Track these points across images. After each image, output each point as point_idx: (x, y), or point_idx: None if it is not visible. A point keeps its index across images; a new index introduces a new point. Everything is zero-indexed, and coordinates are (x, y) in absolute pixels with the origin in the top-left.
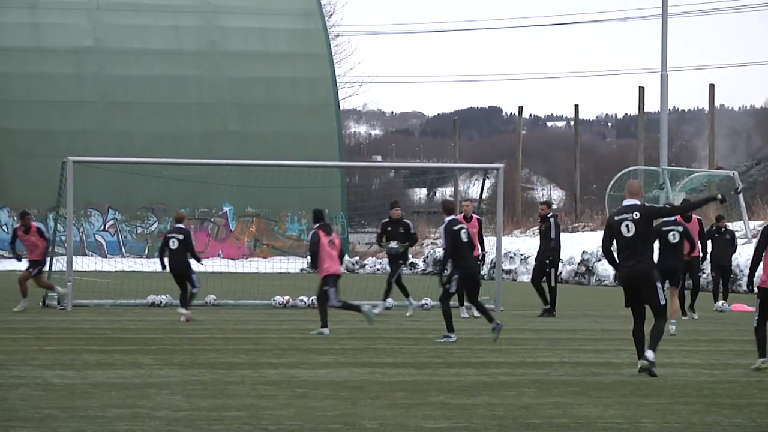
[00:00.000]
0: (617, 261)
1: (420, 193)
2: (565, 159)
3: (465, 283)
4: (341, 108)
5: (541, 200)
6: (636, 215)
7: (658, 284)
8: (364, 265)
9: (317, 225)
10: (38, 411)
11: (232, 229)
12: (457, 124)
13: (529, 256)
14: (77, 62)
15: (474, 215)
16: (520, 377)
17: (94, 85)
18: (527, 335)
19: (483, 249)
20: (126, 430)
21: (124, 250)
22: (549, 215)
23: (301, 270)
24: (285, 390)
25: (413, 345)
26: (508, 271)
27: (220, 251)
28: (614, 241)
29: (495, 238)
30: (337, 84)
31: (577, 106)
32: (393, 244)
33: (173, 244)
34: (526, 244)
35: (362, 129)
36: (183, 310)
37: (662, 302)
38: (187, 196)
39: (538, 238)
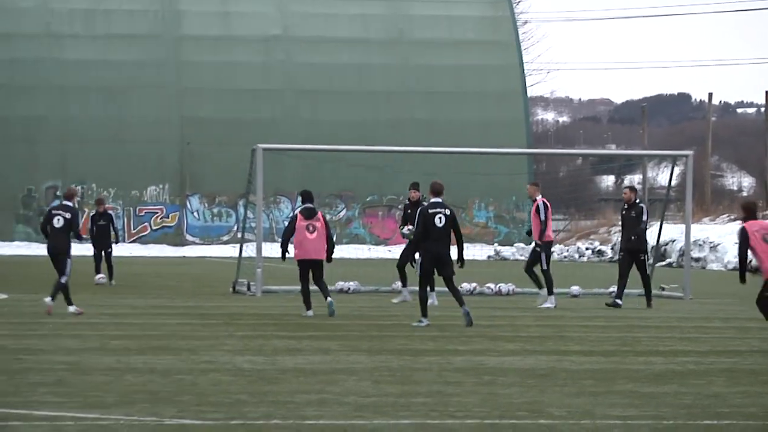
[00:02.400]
0: None
1: (608, 181)
2: (755, 146)
3: (432, 266)
4: (529, 95)
5: (626, 185)
6: None
7: None
8: (552, 252)
9: (300, 207)
10: (228, 396)
11: None
12: (645, 111)
13: (719, 244)
14: (266, 51)
15: (539, 198)
16: (708, 366)
17: (282, 74)
18: (716, 323)
19: (542, 237)
20: (314, 416)
21: None
22: (638, 201)
23: (488, 257)
24: (472, 377)
25: (601, 333)
26: (697, 259)
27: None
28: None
29: (684, 226)
30: (525, 71)
31: (767, 92)
32: (406, 229)
33: (57, 222)
34: (715, 231)
35: (550, 116)
36: (48, 300)
37: None
38: (375, 183)
39: (620, 224)
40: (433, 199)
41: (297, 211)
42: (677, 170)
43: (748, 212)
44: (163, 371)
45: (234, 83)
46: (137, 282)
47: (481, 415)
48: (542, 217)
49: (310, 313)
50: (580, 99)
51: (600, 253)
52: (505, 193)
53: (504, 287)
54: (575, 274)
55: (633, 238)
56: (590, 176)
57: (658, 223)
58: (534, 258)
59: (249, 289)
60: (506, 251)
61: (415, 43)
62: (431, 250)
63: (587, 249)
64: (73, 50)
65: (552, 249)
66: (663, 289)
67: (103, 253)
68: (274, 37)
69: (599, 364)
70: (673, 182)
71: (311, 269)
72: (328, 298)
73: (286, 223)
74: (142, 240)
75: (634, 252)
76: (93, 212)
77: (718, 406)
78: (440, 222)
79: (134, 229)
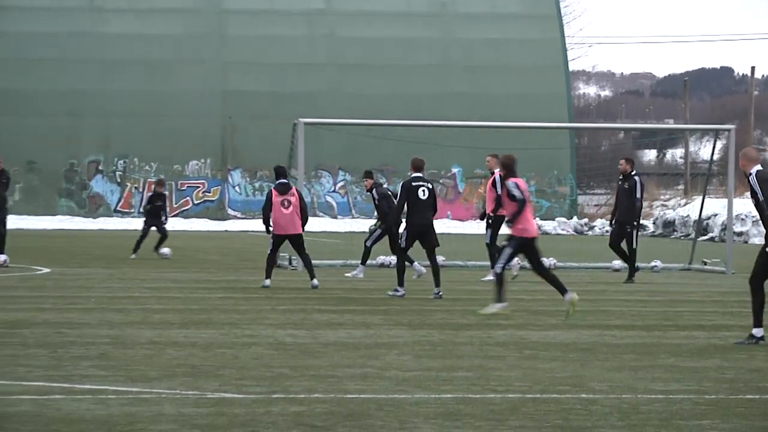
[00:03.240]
0: None
1: (650, 155)
2: None
3: (415, 239)
4: (570, 69)
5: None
6: None
7: None
8: (593, 227)
9: (275, 184)
10: (270, 370)
11: (461, 191)
12: (687, 84)
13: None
14: (308, 24)
15: (497, 171)
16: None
17: (325, 48)
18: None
19: (496, 211)
20: (356, 389)
21: (354, 211)
22: (633, 173)
23: None
24: (513, 351)
25: (642, 307)
26: (740, 233)
27: (449, 213)
28: None
29: (726, 200)
30: (567, 45)
31: None
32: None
33: None
34: None
35: (592, 90)
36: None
37: None
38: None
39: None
40: (414, 174)
41: (274, 188)
42: (719, 144)
43: None
44: (204, 345)
45: (276, 57)
46: (179, 256)
47: (523, 389)
48: (499, 190)
49: (268, 282)
50: (622, 73)
51: (642, 227)
52: (547, 168)
53: (546, 261)
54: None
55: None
56: (632, 150)
57: (700, 197)
58: (621, 234)
59: (290, 263)
60: (547, 225)
61: (457, 16)
62: (415, 222)
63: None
64: (116, 24)
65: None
66: (705, 263)
67: (155, 228)
68: (317, 11)
69: (641, 338)
70: (716, 156)
71: (291, 243)
72: (314, 281)
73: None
74: (184, 214)
75: (622, 224)
76: (151, 193)
77: (761, 380)
78: (424, 194)
79: (176, 204)
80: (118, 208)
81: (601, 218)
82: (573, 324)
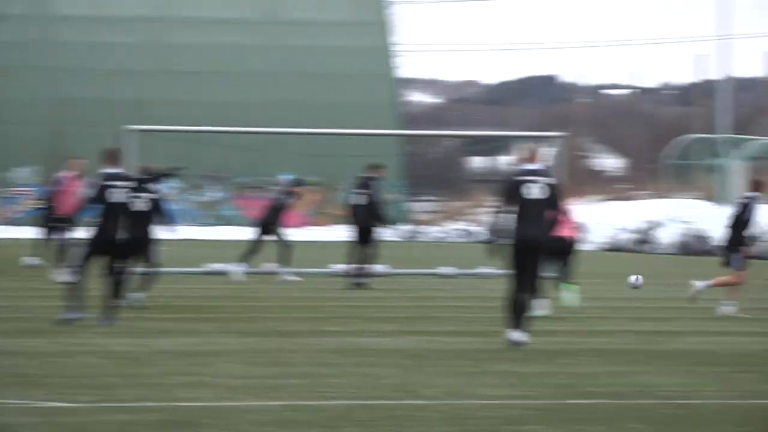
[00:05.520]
0: None
1: (480, 162)
2: (624, 127)
3: (98, 250)
4: (399, 77)
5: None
6: None
7: None
8: (425, 233)
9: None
10: (99, 378)
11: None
12: (517, 92)
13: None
14: (138, 31)
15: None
16: (581, 346)
17: (155, 54)
18: (588, 303)
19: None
20: (187, 397)
21: (185, 219)
22: (375, 178)
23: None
24: (345, 358)
25: (472, 313)
26: None
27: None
28: None
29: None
30: (395, 52)
31: (635, 75)
32: None
33: None
34: (586, 212)
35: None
36: None
37: None
38: (247, 164)
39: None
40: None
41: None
42: (551, 151)
43: None
44: (32, 354)
45: (106, 63)
46: (7, 265)
47: (353, 395)
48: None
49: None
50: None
51: (470, 233)
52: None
53: (379, 268)
54: (447, 255)
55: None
56: (462, 157)
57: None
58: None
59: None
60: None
61: (288, 23)
62: (104, 228)
63: (457, 229)
64: None
65: None
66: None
67: None
68: (148, 17)
69: (470, 344)
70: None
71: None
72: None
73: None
74: (12, 222)
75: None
76: None
77: (588, 385)
78: (119, 198)
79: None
80: None
81: (434, 225)
82: (404, 330)
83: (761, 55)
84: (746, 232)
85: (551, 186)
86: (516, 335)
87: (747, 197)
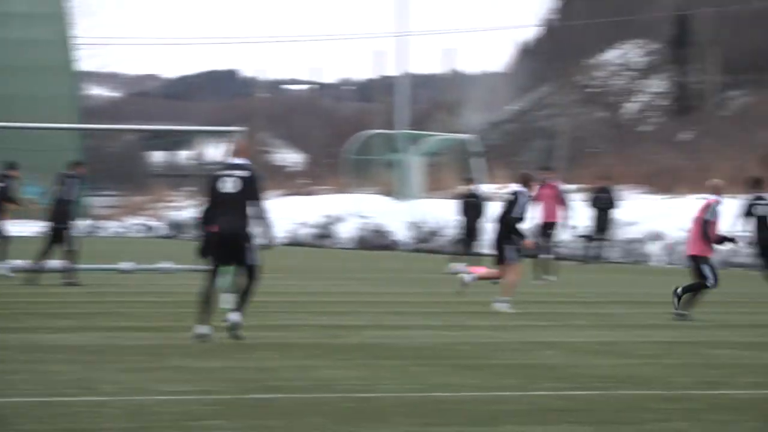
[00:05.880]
0: None
1: (160, 156)
2: (305, 122)
3: None
4: (79, 70)
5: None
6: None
7: None
8: (104, 228)
9: None
10: None
11: None
12: (197, 87)
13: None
14: None
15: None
16: (262, 340)
17: None
18: (269, 298)
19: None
20: None
21: None
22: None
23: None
24: (22, 354)
25: (152, 309)
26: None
27: None
28: None
29: None
30: (75, 45)
31: (315, 70)
32: None
33: None
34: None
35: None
36: None
37: None
38: None
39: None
40: None
41: None
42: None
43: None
44: None
45: None
46: None
47: (30, 393)
48: None
49: None
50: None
51: (150, 228)
52: (54, 169)
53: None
54: (125, 250)
55: None
56: (142, 151)
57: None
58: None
59: None
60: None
61: None
62: None
63: (138, 224)
64: None
65: None
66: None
67: None
68: None
69: (149, 339)
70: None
71: None
72: None
73: None
74: None
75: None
76: None
77: (269, 380)
78: None
79: None
80: None
81: (114, 219)
82: (84, 326)
83: (439, 51)
84: (519, 226)
85: (244, 180)
86: (203, 329)
87: (515, 192)
